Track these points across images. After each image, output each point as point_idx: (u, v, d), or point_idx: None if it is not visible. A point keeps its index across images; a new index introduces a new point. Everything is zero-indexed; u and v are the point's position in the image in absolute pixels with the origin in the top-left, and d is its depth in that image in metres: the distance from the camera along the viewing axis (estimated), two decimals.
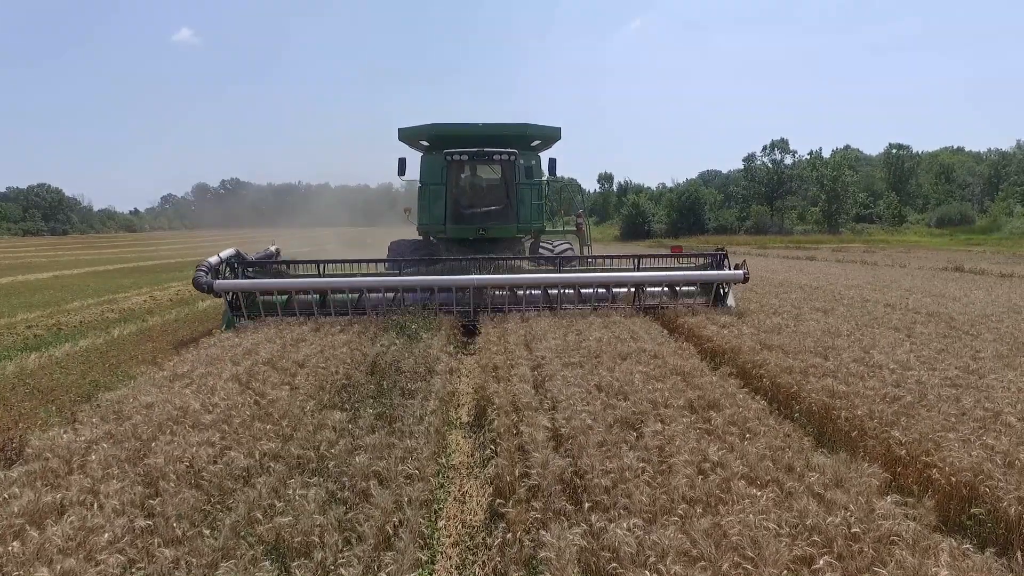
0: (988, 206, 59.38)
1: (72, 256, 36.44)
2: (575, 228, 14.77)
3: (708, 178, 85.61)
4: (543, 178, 13.39)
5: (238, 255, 10.58)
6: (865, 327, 8.63)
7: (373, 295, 9.96)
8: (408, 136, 13.28)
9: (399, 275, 10.26)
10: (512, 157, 11.78)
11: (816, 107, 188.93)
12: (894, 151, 65.77)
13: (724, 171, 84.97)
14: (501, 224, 12.30)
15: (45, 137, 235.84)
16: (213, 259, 9.95)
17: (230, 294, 9.54)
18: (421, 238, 13.67)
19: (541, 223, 13.00)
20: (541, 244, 13.12)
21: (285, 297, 9.94)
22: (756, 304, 10.96)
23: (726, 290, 10.09)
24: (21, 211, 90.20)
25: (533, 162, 13.04)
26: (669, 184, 73.98)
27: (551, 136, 13.24)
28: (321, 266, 10.61)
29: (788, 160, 62.17)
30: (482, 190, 12.76)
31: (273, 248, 12.39)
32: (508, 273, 10.42)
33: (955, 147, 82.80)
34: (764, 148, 62.29)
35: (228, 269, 10.24)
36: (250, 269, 10.62)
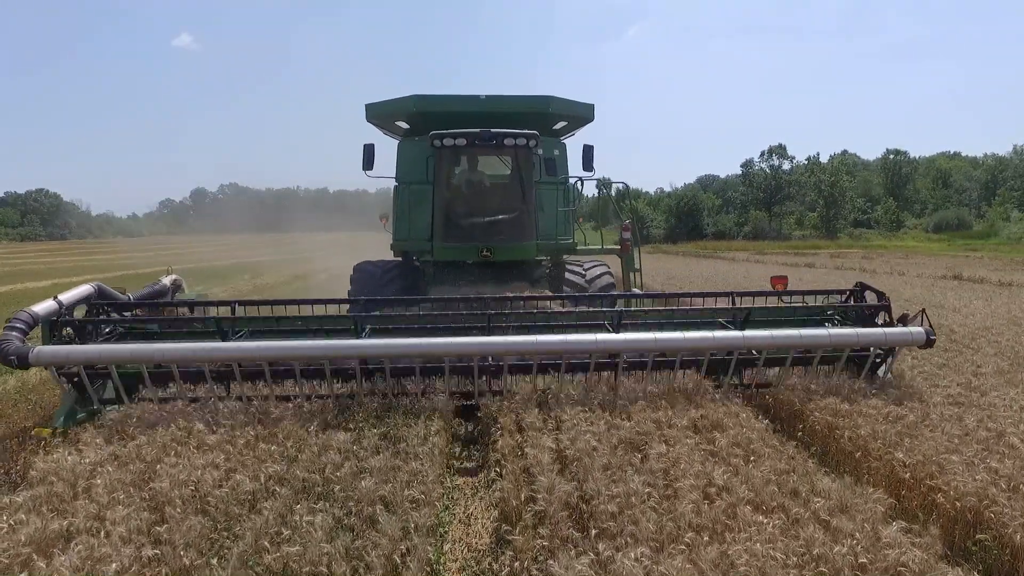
0: (985, 211, 59.69)
1: (71, 262, 36.44)
2: (619, 244, 10.03)
3: (706, 183, 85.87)
4: (571, 175, 9.76)
5: (99, 293, 6.66)
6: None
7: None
8: (380, 115, 9.48)
9: (355, 334, 5.98)
10: (531, 142, 8.07)
11: (814, 112, 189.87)
12: (891, 157, 65.99)
13: (722, 175, 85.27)
14: (514, 241, 8.50)
15: (44, 141, 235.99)
16: (42, 306, 5.94)
17: (64, 369, 5.60)
18: (398, 259, 9.54)
19: (571, 239, 9.33)
20: (568, 266, 9.38)
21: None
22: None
23: (885, 358, 6.33)
24: (19, 216, 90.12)
25: (556, 152, 9.48)
26: (668, 189, 74.32)
27: (581, 116, 9.61)
28: (235, 309, 6.53)
29: (786, 165, 62.44)
30: (486, 191, 8.94)
31: (168, 280, 7.95)
32: (526, 316, 6.56)
33: (952, 152, 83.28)
34: (762, 154, 62.64)
35: (73, 324, 6.08)
36: (122, 315, 6.68)
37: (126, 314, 6.78)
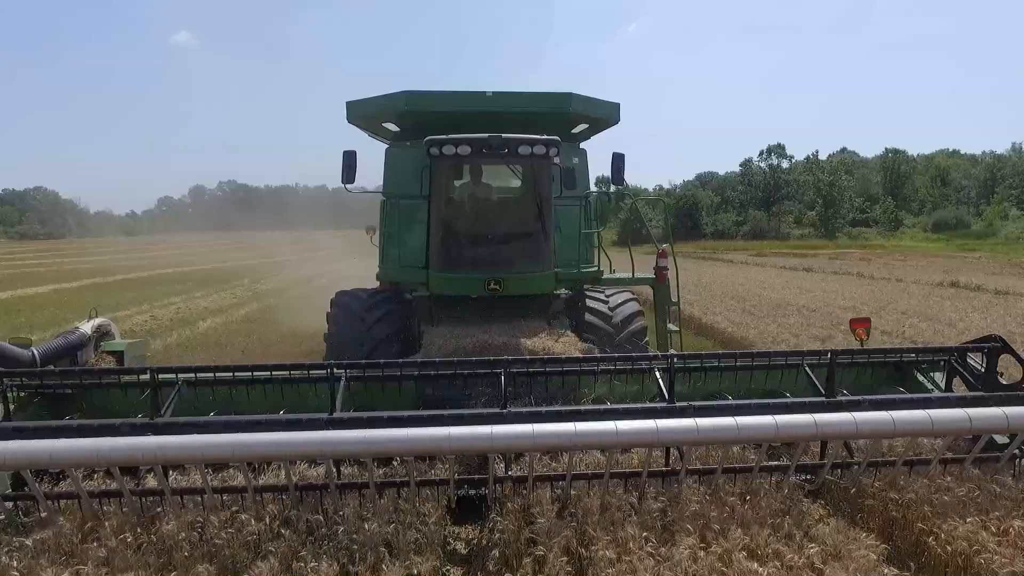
0: (984, 209, 59.88)
1: (71, 265, 36.47)
2: (654, 273, 8.30)
3: (705, 180, 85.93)
4: (594, 190, 8.32)
5: None
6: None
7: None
8: (364, 115, 7.90)
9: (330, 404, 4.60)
10: (551, 150, 6.51)
11: (813, 110, 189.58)
12: (890, 155, 66.11)
13: (721, 172, 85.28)
14: (529, 271, 7.01)
15: (41, 139, 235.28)
16: None
17: None
18: (384, 288, 7.85)
19: (595, 266, 7.79)
20: (588, 293, 7.70)
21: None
22: (755, 329, 11.08)
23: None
24: (18, 215, 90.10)
25: (576, 160, 7.97)
26: (666, 186, 74.35)
27: (605, 117, 8.01)
28: (157, 378, 4.67)
29: (785, 164, 62.54)
30: (494, 210, 7.58)
31: (89, 327, 6.21)
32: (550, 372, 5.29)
33: (951, 150, 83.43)
34: (761, 153, 62.66)
35: None
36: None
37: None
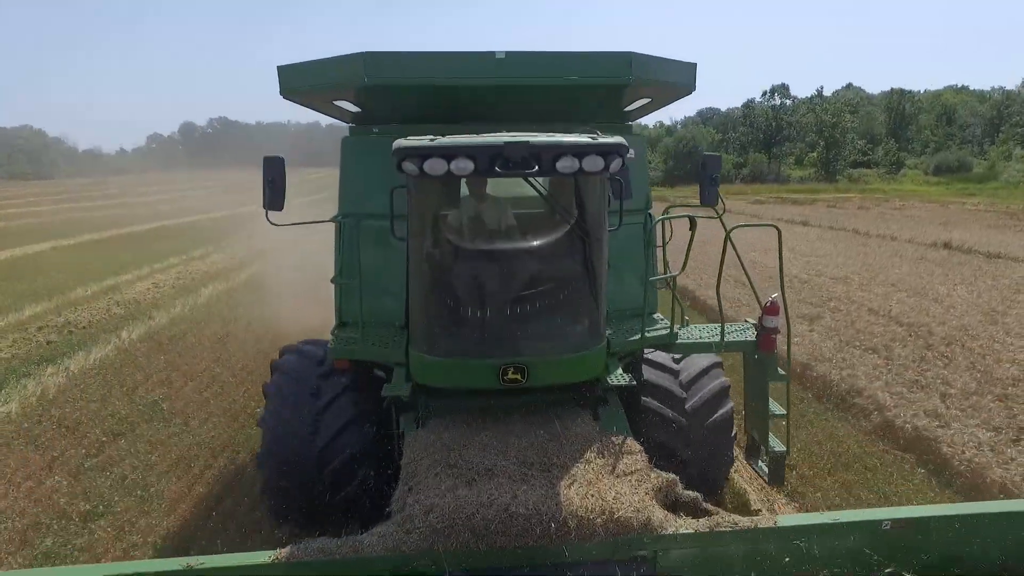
0: (988, 149, 59.17)
1: (64, 214, 36.21)
2: (754, 333, 5.25)
3: (706, 116, 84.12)
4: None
5: None
6: (847, 345, 9.07)
7: None
8: (305, 89, 4.94)
9: None
10: (611, 161, 3.70)
11: (818, 43, 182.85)
12: (895, 95, 64.63)
13: (723, 108, 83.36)
14: (566, 349, 4.38)
15: (27, 78, 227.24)
16: None
17: None
18: (339, 368, 4.99)
19: (667, 325, 5.08)
20: (648, 357, 5.21)
21: None
22: (744, 303, 11.34)
23: None
24: (6, 156, 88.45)
25: (631, 155, 3.92)
26: (667, 123, 72.89)
27: (675, 86, 5.17)
28: None
29: (788, 103, 61.21)
30: (510, 251, 4.62)
31: None
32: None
33: (959, 86, 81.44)
34: (764, 93, 61.15)
35: None
36: None
37: None
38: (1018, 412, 6.75)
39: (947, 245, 18.25)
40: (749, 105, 62.06)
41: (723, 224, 4.89)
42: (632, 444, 4.25)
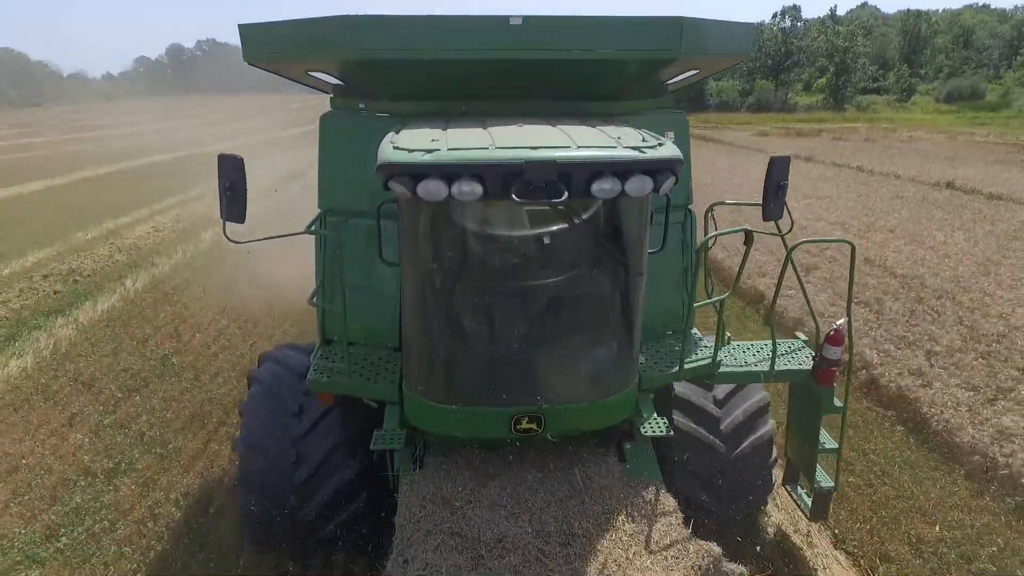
0: (1004, 74, 57.31)
1: (54, 148, 35.56)
2: (811, 360, 4.34)
3: None
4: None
5: None
6: (840, 299, 9.25)
7: None
8: (275, 54, 4.04)
9: None
10: (663, 181, 2.85)
11: None
12: (911, 18, 61.90)
13: None
14: (590, 396, 3.68)
15: None
16: None
17: None
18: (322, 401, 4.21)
19: (709, 353, 4.24)
20: (678, 392, 4.41)
21: None
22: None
23: None
24: None
25: (671, 136, 4.07)
26: None
27: (729, 54, 4.34)
28: None
29: (799, 25, 58.73)
30: (527, 272, 3.63)
31: None
32: None
33: (980, 4, 77.87)
34: (774, 16, 58.51)
35: None
36: None
37: None
38: (999, 370, 6.99)
39: (950, 185, 18.11)
40: (758, 28, 59.53)
41: (784, 242, 4.11)
42: (667, 500, 3.65)
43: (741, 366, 4.34)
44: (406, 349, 3.83)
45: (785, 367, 4.31)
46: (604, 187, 2.78)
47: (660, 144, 3.00)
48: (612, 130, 3.29)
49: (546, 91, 3.96)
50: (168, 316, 9.85)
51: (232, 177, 3.46)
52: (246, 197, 3.52)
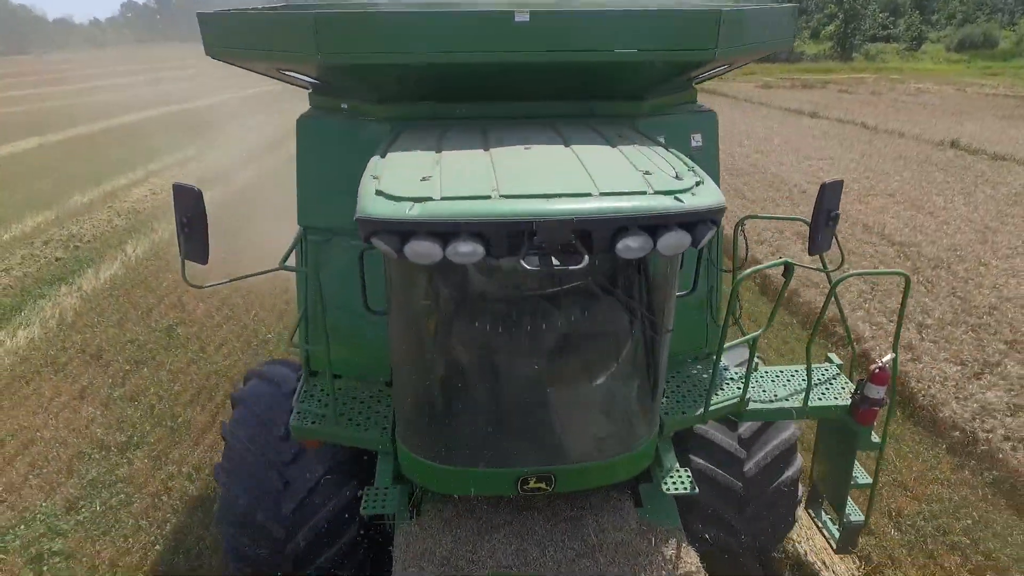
0: (1019, 21, 55.60)
1: (46, 101, 34.87)
2: (850, 397, 3.89)
3: None
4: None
5: None
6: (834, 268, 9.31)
7: None
8: (238, 50, 3.47)
9: None
10: (702, 234, 2.43)
11: None
12: None
13: None
14: (605, 453, 3.31)
15: None
16: None
17: None
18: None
19: (736, 392, 3.78)
20: (700, 435, 4.02)
21: None
22: None
23: None
24: None
25: (698, 143, 3.72)
26: None
27: (771, 46, 3.77)
28: None
29: None
30: (535, 324, 3.04)
31: None
32: None
33: None
34: None
35: None
36: None
37: None
38: (987, 344, 7.15)
39: (954, 144, 17.89)
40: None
41: (829, 277, 3.74)
42: (688, 557, 3.37)
43: (771, 400, 3.87)
44: (397, 403, 3.39)
45: (820, 402, 3.86)
46: (632, 246, 2.33)
47: (698, 182, 2.53)
48: (638, 155, 2.84)
49: (555, 91, 3.54)
50: (171, 284, 9.96)
51: (190, 211, 2.94)
52: (207, 233, 2.99)
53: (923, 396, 6.34)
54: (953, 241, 10.26)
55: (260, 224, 12.77)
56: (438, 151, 2.90)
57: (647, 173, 2.58)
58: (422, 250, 2.28)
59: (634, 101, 3.58)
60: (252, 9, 3.45)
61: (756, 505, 3.98)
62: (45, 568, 4.89)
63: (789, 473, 4.09)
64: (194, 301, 9.32)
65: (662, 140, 3.21)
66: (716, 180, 3.44)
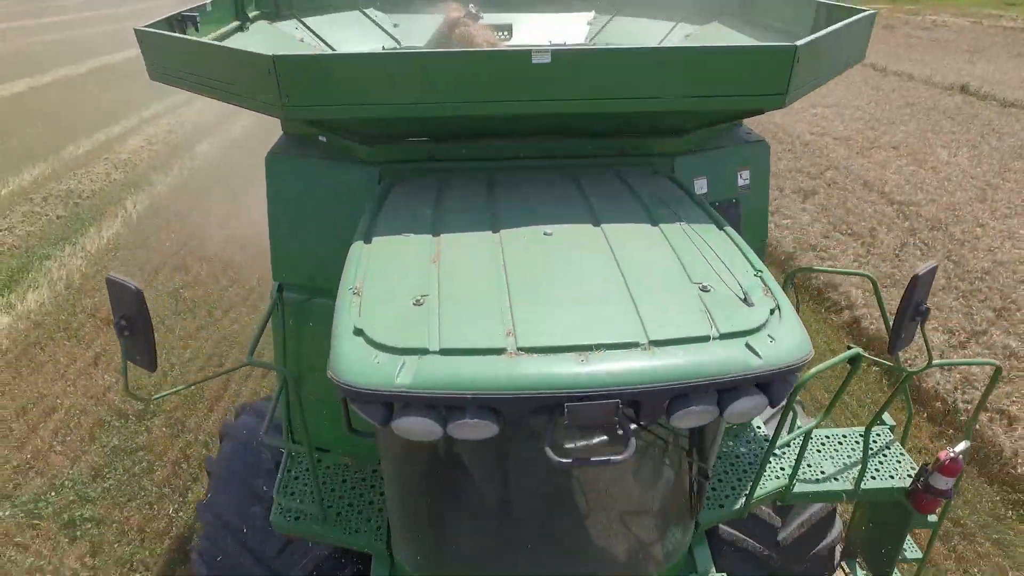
0: None
1: (29, 36, 33.60)
2: (911, 485, 3.36)
3: None
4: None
5: None
6: (833, 230, 9.41)
7: None
8: (193, 80, 2.71)
9: None
10: (778, 387, 1.83)
11: None
12: None
13: None
14: (634, 571, 2.82)
15: None
16: None
17: None
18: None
19: (787, 491, 3.31)
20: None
21: None
22: None
23: None
24: None
25: (744, 182, 3.10)
26: None
27: (840, 68, 3.00)
28: None
29: None
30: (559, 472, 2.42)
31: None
32: None
33: None
34: None
35: None
36: None
37: None
38: (976, 312, 7.33)
39: (964, 89, 17.50)
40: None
41: (901, 372, 3.16)
42: None
43: (818, 478, 3.36)
44: (393, 521, 2.88)
45: (875, 483, 3.38)
46: (692, 419, 1.80)
47: (773, 309, 1.93)
48: (687, 244, 2.25)
49: (578, 132, 2.92)
50: (174, 245, 10.04)
51: (127, 311, 2.28)
52: (152, 334, 2.35)
53: (910, 365, 6.56)
54: (953, 200, 10.27)
55: (260, 173, 12.76)
56: (435, 233, 2.35)
57: (704, 290, 1.99)
58: (417, 428, 1.75)
59: (673, 137, 2.93)
60: (200, 39, 2.84)
61: (790, 574, 3.57)
62: (79, 534, 5.26)
63: (827, 541, 3.68)
64: (197, 263, 9.45)
65: (704, 188, 2.74)
66: (765, 222, 3.22)
